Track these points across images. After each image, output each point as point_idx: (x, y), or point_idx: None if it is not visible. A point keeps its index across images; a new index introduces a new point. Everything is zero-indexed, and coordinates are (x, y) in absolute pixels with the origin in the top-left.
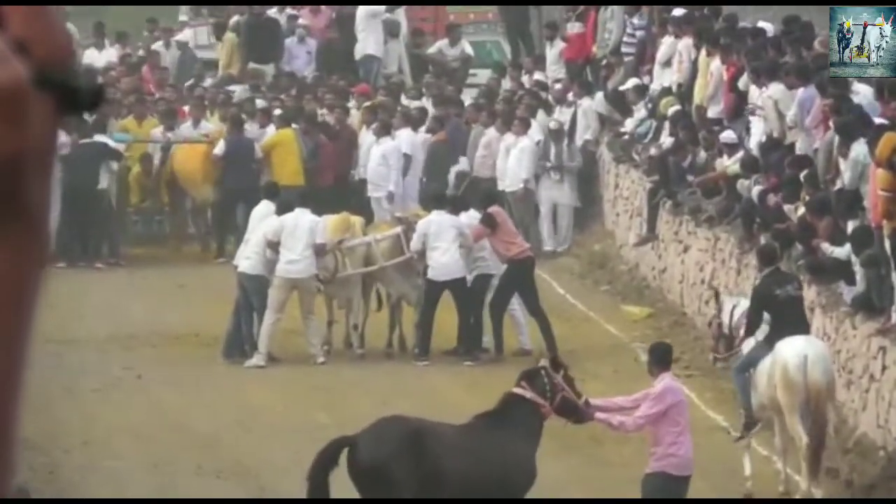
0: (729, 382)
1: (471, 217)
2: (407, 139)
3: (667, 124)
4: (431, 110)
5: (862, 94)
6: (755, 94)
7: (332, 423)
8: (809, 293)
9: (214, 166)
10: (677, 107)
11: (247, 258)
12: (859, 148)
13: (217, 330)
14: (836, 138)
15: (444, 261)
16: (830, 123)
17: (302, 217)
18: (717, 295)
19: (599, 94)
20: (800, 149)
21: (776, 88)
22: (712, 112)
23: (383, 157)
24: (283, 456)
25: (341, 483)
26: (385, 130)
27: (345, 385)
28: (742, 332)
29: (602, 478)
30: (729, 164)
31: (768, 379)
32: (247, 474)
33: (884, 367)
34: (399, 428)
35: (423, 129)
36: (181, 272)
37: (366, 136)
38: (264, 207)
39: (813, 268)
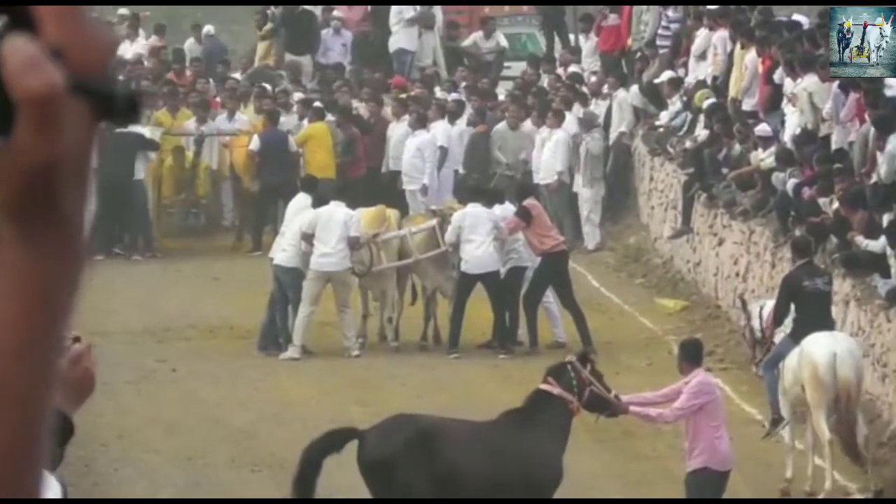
0: (762, 375)
1: (505, 209)
2: (443, 132)
3: (702, 117)
4: (468, 103)
5: (895, 87)
6: (790, 87)
7: (367, 416)
8: (844, 286)
9: (253, 159)
10: (712, 99)
11: (283, 251)
12: None
13: (252, 323)
14: (872, 131)
15: (478, 254)
16: (866, 116)
17: (336, 210)
18: (743, 303)
19: (634, 87)
20: (835, 142)
21: (810, 81)
22: (747, 105)
23: (418, 149)
24: None
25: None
26: (420, 123)
27: (379, 378)
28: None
29: (636, 471)
30: (764, 157)
31: (794, 377)
32: (280, 467)
33: None
34: (406, 425)
35: (460, 121)
36: (216, 265)
37: (396, 128)
38: (301, 200)
39: (847, 261)
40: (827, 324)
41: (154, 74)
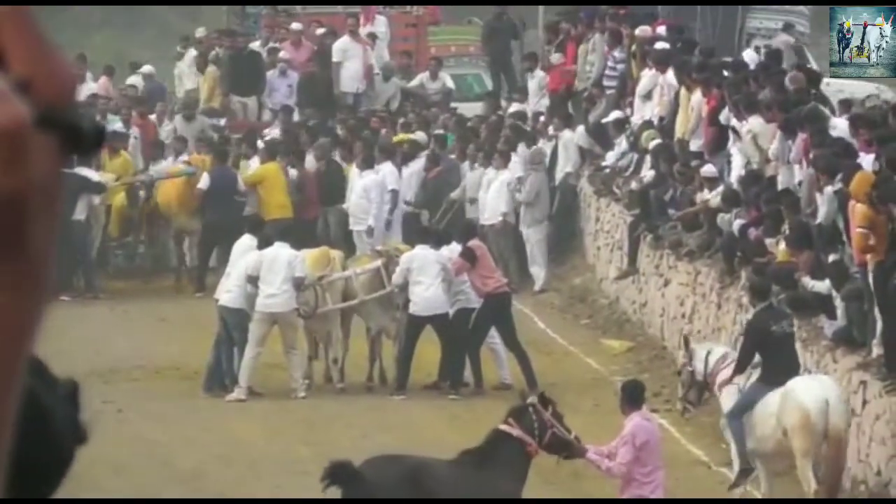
0: (709, 416)
1: (452, 250)
2: (392, 174)
3: (648, 157)
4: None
5: (839, 128)
6: (736, 125)
7: (313, 456)
8: None
9: (193, 196)
10: (658, 140)
11: (227, 291)
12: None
13: (198, 363)
14: (813, 172)
15: (428, 295)
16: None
17: (281, 251)
18: (686, 343)
19: (580, 128)
20: (781, 182)
21: (755, 122)
22: (693, 146)
23: (364, 190)
24: (264, 489)
25: None
26: (367, 164)
27: (326, 419)
28: (719, 377)
29: None
30: (710, 197)
31: (777, 422)
32: None
33: (864, 402)
34: (398, 464)
35: (414, 162)
36: (162, 305)
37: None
38: (246, 241)
39: (794, 302)
40: (795, 367)
41: (119, 110)
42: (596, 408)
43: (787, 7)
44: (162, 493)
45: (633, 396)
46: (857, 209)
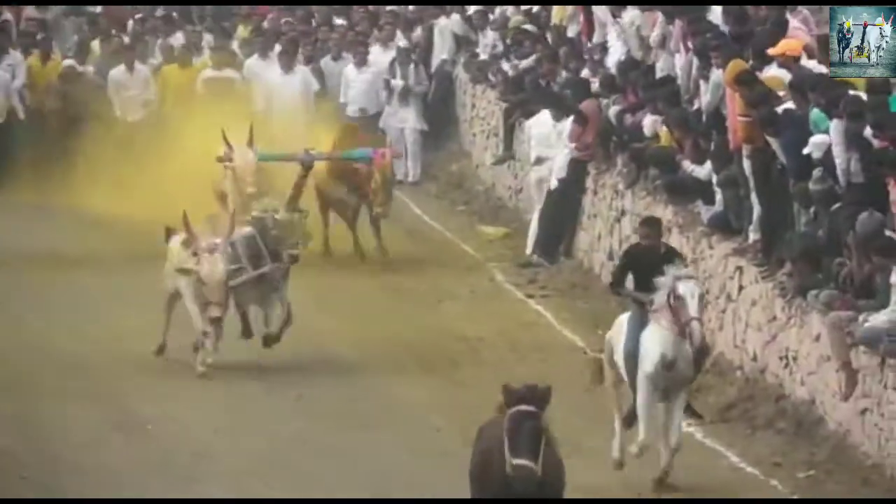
0: (586, 303)
1: None
2: None
3: (526, 44)
4: None
5: (717, 13)
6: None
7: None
8: (666, 213)
9: None
10: (529, 25)
11: None
12: (719, 71)
13: (78, 252)
14: (696, 60)
15: None
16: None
17: None
18: None
19: (455, 15)
20: (660, 69)
21: (634, 13)
22: (571, 32)
23: None
24: (145, 379)
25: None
26: None
27: None
28: None
29: (461, 400)
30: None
31: None
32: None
33: (740, 288)
34: None
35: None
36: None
37: None
38: None
39: (672, 186)
40: None
41: None
42: (472, 294)
43: None
44: (41, 381)
45: None
46: (738, 98)
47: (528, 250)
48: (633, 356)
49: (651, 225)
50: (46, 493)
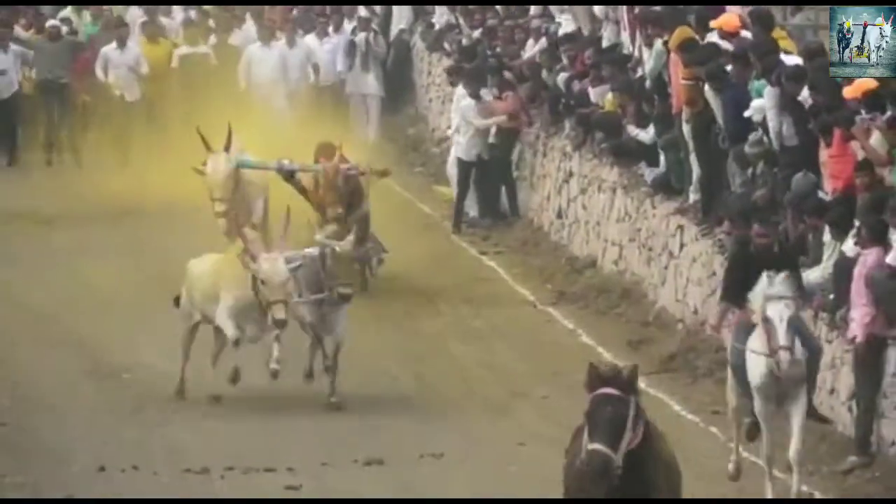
0: (536, 258)
1: None
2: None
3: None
4: None
5: None
6: None
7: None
8: (612, 174)
9: None
10: None
11: None
12: (660, 41)
13: (53, 210)
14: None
15: None
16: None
17: None
18: None
19: None
20: (607, 38)
21: None
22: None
23: None
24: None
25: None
26: None
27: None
28: None
29: (415, 348)
30: (535, 52)
31: None
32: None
33: (682, 245)
34: None
35: None
36: None
37: None
38: None
39: (616, 150)
40: None
41: None
42: (429, 252)
43: None
44: (12, 329)
45: None
46: (681, 62)
47: (473, 212)
48: (739, 368)
49: (766, 223)
50: (22, 434)
